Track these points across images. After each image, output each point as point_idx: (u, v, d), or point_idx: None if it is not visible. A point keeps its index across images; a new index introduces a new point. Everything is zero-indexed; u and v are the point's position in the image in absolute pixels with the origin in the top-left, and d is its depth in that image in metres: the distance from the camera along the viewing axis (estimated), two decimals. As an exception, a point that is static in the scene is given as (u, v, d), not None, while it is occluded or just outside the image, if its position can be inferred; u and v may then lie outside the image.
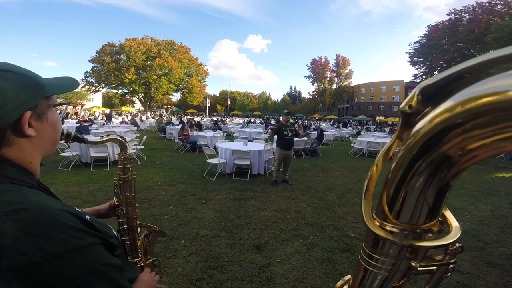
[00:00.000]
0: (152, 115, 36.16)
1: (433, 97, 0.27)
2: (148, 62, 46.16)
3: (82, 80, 43.63)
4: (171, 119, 21.18)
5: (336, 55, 60.99)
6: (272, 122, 28.36)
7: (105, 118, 23.62)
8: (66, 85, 0.66)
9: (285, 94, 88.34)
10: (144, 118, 30.34)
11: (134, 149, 7.63)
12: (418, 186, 0.28)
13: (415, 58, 35.10)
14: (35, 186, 0.58)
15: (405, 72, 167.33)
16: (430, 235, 0.32)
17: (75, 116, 25.33)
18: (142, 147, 8.50)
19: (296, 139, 6.32)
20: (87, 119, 19.50)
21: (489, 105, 0.21)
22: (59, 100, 0.67)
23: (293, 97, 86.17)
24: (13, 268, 0.45)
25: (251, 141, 9.17)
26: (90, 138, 0.99)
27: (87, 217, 0.58)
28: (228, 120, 32.68)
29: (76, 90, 0.82)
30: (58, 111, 0.66)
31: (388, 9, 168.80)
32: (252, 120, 32.80)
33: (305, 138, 9.91)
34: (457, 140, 0.24)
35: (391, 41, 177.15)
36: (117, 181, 0.99)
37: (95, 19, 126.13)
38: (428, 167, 0.27)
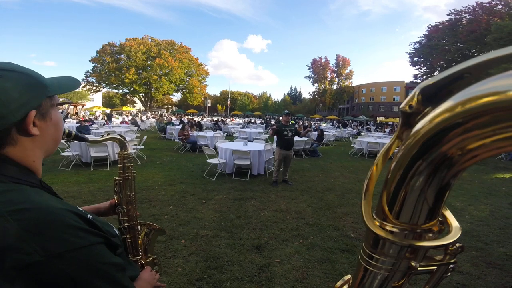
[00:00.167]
0: (153, 115, 36.18)
1: (433, 97, 0.27)
2: (149, 62, 46.17)
3: (82, 80, 43.66)
4: (171, 119, 21.19)
5: (337, 55, 61.02)
6: (272, 122, 28.38)
7: (106, 118, 23.64)
8: (68, 84, 0.66)
9: (286, 94, 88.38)
10: (144, 118, 30.37)
11: (134, 149, 7.63)
12: (418, 186, 0.28)
13: (415, 59, 35.14)
14: (38, 185, 0.58)
15: (406, 72, 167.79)
16: (430, 235, 0.32)
17: (75, 116, 25.35)
18: (142, 147, 8.50)
19: (297, 138, 6.31)
20: (88, 119, 19.51)
21: (489, 105, 0.21)
22: (61, 100, 0.67)
23: (294, 97, 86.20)
24: (16, 268, 0.45)
25: (251, 141, 9.17)
26: (90, 137, 0.99)
27: (89, 216, 0.58)
28: (228, 120, 32.69)
29: (76, 90, 0.83)
30: (60, 110, 0.66)
31: (388, 9, 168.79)
32: (252, 120, 32.80)
33: (305, 138, 9.92)
34: (457, 140, 0.24)
35: (391, 41, 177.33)
36: (117, 179, 0.99)
37: (94, 19, 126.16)
38: (428, 167, 0.27)
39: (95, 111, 32.68)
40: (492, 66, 0.22)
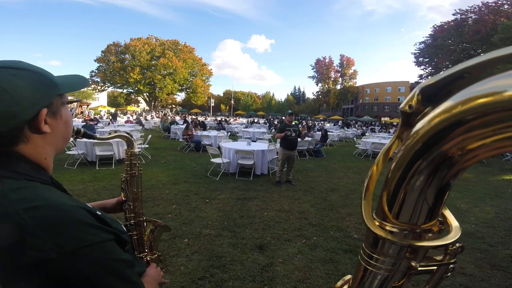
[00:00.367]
0: (157, 115, 36.34)
1: (433, 97, 0.27)
2: (153, 62, 46.35)
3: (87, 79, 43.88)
4: (175, 119, 21.26)
5: (341, 55, 60.70)
6: (275, 122, 28.33)
7: (111, 117, 23.81)
8: (78, 83, 0.67)
9: (289, 94, 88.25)
10: (149, 117, 30.52)
11: (139, 148, 7.66)
12: (418, 186, 0.28)
13: (420, 59, 34.86)
14: (49, 182, 0.59)
15: (411, 72, 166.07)
16: (430, 235, 0.32)
17: (81, 115, 25.57)
18: (147, 146, 8.54)
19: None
20: (93, 118, 19.67)
21: (488, 105, 0.21)
22: (70, 98, 0.68)
23: (297, 97, 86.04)
24: (32, 265, 0.46)
25: (255, 141, 9.17)
26: (98, 135, 1.00)
27: (98, 212, 0.59)
28: (231, 120, 32.71)
29: (82, 89, 0.84)
30: (70, 109, 0.67)
31: (392, 9, 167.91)
32: (255, 120, 32.80)
33: (309, 138, 9.90)
34: (457, 140, 0.24)
35: (395, 41, 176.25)
36: (124, 176, 1.00)
37: (99, 19, 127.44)
38: (428, 166, 0.27)
39: (100, 111, 32.93)
40: (492, 66, 0.22)
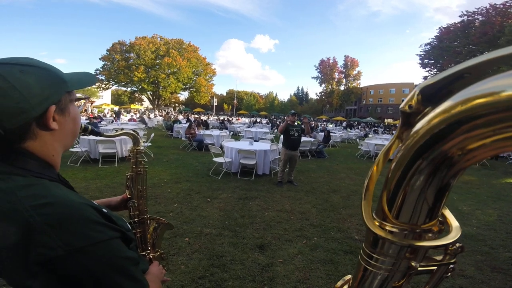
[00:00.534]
0: (160, 113, 36.46)
1: (433, 97, 0.27)
2: (157, 61, 46.45)
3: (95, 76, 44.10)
4: (178, 118, 21.31)
5: (345, 56, 60.54)
6: (278, 122, 28.28)
7: (114, 115, 23.92)
8: (86, 80, 0.67)
9: (292, 94, 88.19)
10: (152, 116, 30.62)
11: (142, 146, 7.70)
12: (418, 186, 0.28)
13: (425, 60, 34.66)
14: (56, 180, 0.59)
15: (415, 74, 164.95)
16: (430, 235, 0.32)
17: (84, 113, 25.72)
18: (150, 144, 8.58)
19: (303, 139, 6.22)
20: (96, 116, 19.77)
21: (487, 105, 0.21)
22: (78, 95, 0.69)
23: (300, 97, 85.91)
24: (39, 262, 0.46)
25: (257, 141, 9.18)
26: (104, 132, 1.01)
27: (104, 210, 0.59)
28: (234, 119, 32.74)
29: (88, 87, 0.85)
30: (78, 106, 0.68)
31: (398, 10, 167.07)
32: (258, 120, 32.80)
33: (312, 139, 9.88)
34: (457, 140, 0.24)
35: (401, 42, 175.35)
36: (130, 174, 1.00)
37: (104, 18, 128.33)
38: (428, 166, 0.27)
39: (104, 109, 33.10)
40: (492, 66, 0.22)
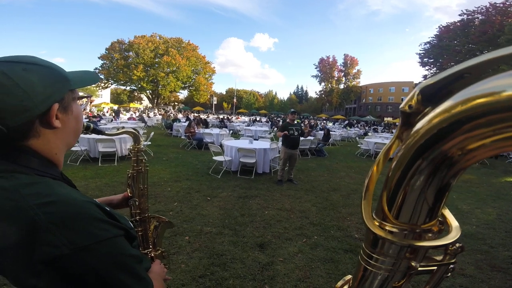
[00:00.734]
0: (160, 112, 36.42)
1: (433, 97, 0.26)
2: (156, 60, 46.34)
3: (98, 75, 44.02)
4: (177, 116, 21.29)
5: (344, 54, 60.57)
6: (278, 120, 28.30)
7: (113, 114, 23.90)
8: (88, 78, 0.67)
9: (292, 93, 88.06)
10: (151, 114, 30.60)
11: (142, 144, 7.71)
12: (418, 185, 0.28)
13: (425, 59, 34.60)
14: (59, 178, 0.59)
15: (415, 73, 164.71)
16: (430, 235, 0.32)
17: (84, 112, 25.66)
18: (149, 143, 8.57)
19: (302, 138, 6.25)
20: (96, 114, 19.75)
21: (487, 105, 0.21)
22: (81, 94, 0.68)
23: (300, 96, 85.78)
24: (44, 261, 0.46)
25: (257, 140, 9.18)
26: (106, 131, 1.01)
27: (107, 208, 0.59)
28: (234, 118, 32.72)
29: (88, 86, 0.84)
30: (80, 104, 0.67)
31: (397, 9, 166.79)
32: (258, 119, 32.78)
33: (311, 138, 9.88)
34: (457, 140, 0.24)
35: (400, 41, 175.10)
36: (131, 172, 1.00)
37: (103, 17, 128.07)
38: (428, 166, 0.27)
39: (103, 107, 33.06)
40: (492, 66, 0.22)
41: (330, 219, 4.10)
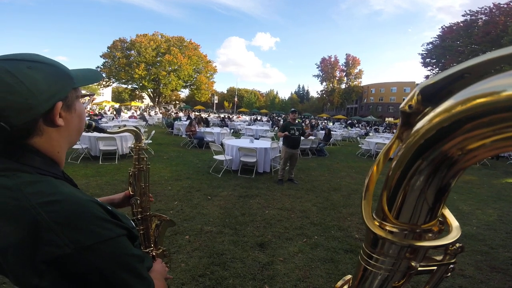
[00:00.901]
0: (161, 110, 36.46)
1: (433, 97, 0.27)
2: (158, 58, 46.30)
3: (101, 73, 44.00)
4: (178, 115, 21.29)
5: (346, 54, 60.40)
6: (279, 119, 28.26)
7: (115, 113, 23.94)
8: (92, 77, 0.67)
9: (293, 92, 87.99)
10: (152, 113, 30.63)
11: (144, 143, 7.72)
12: (418, 185, 0.28)
13: (427, 59, 34.53)
14: (61, 177, 0.59)
15: (417, 73, 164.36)
16: (430, 235, 0.32)
17: (85, 110, 25.70)
18: (150, 141, 8.58)
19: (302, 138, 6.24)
20: (97, 113, 19.78)
21: (488, 105, 0.21)
22: (83, 92, 0.69)
23: (301, 95, 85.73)
24: (46, 261, 0.46)
25: (258, 139, 9.18)
26: (108, 129, 1.01)
27: (109, 207, 0.58)
28: (235, 117, 32.72)
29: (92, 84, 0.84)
30: (83, 102, 0.67)
31: (400, 9, 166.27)
32: (258, 118, 32.76)
33: (312, 137, 9.87)
34: (457, 140, 0.24)
35: (403, 41, 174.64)
36: (132, 171, 1.00)
37: (106, 15, 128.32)
38: (428, 166, 0.27)
39: (105, 106, 33.12)
40: (492, 66, 0.22)
41: (330, 219, 4.10)
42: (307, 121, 25.17)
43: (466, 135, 0.23)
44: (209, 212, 4.04)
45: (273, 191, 5.27)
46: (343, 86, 61.00)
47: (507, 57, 0.21)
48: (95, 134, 6.24)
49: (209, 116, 27.90)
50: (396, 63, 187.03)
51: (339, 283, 0.47)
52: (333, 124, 31.18)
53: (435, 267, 0.33)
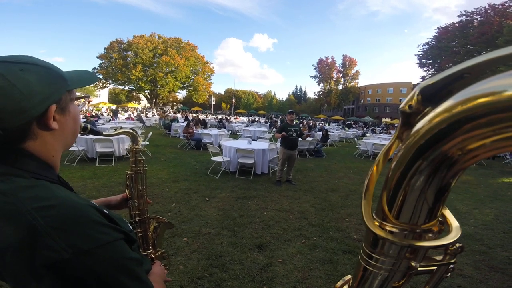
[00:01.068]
0: (158, 112, 36.37)
1: (433, 97, 0.27)
2: (155, 59, 46.23)
3: (96, 75, 43.80)
4: (176, 117, 21.24)
5: (343, 55, 60.72)
6: (276, 120, 28.30)
7: (112, 114, 23.84)
8: (86, 78, 0.66)
9: (291, 93, 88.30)
10: (149, 114, 30.55)
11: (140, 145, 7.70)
12: (418, 185, 0.28)
13: (423, 60, 34.78)
14: (56, 181, 0.58)
15: (413, 74, 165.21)
16: (430, 235, 0.32)
17: (81, 112, 25.58)
18: (147, 143, 8.55)
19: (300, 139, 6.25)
20: (94, 114, 19.69)
21: (487, 105, 0.21)
22: (78, 94, 0.67)
23: (299, 96, 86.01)
24: (45, 265, 0.45)
25: (255, 140, 9.18)
26: (104, 131, 1.00)
27: (105, 211, 0.58)
28: (232, 118, 32.72)
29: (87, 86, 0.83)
30: (78, 104, 0.66)
31: (397, 10, 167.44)
32: (256, 119, 32.78)
33: (310, 138, 9.89)
34: (457, 140, 0.24)
35: (399, 42, 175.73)
36: (129, 173, 0.99)
37: (102, 16, 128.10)
38: (428, 166, 0.27)
39: (101, 107, 32.99)
40: (492, 66, 0.22)
41: (329, 220, 4.10)
42: (305, 122, 25.22)
43: (466, 135, 0.23)
44: (207, 213, 4.03)
45: (271, 192, 5.26)
46: (340, 87, 61.21)
47: (506, 57, 0.21)
48: (92, 136, 6.21)
49: (206, 117, 27.85)
50: (393, 64, 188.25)
51: (339, 283, 0.47)
52: (329, 125, 31.24)
53: (435, 267, 0.33)
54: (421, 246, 0.31)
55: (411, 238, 0.32)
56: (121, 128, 1.06)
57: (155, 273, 0.79)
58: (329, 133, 13.35)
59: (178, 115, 25.85)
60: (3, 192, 0.48)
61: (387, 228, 0.32)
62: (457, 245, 0.31)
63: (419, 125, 0.26)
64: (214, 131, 11.90)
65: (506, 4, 26.25)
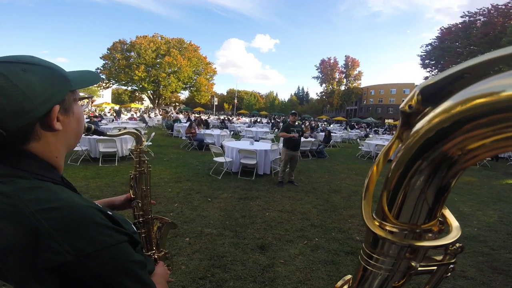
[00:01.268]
0: (160, 112, 36.50)
1: (433, 97, 0.27)
2: (158, 60, 46.41)
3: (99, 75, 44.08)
4: (178, 117, 21.29)
5: (346, 56, 60.58)
6: (278, 121, 28.28)
7: (115, 114, 23.95)
8: (90, 79, 0.65)
9: (293, 94, 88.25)
10: (152, 115, 30.65)
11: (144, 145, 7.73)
12: (418, 185, 0.28)
13: (426, 61, 34.61)
14: (60, 182, 0.57)
15: (416, 74, 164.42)
16: (430, 235, 0.32)
17: (85, 112, 25.71)
18: (150, 143, 8.58)
19: (303, 139, 6.24)
20: (97, 114, 19.80)
21: (487, 105, 0.21)
22: (81, 94, 0.67)
23: (301, 97, 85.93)
24: (47, 268, 0.45)
25: (258, 141, 9.17)
26: (108, 132, 1.00)
27: (109, 212, 0.57)
28: (234, 119, 32.74)
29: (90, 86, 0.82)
30: (81, 105, 0.65)
31: (398, 11, 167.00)
32: (258, 120, 32.78)
33: (312, 139, 9.87)
34: (457, 140, 0.24)
35: (402, 42, 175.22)
36: (133, 174, 0.99)
37: (105, 17, 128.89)
38: (428, 166, 0.27)
39: (104, 108, 33.15)
40: (492, 66, 0.22)
41: (331, 221, 4.09)
42: (307, 123, 25.18)
43: (466, 135, 0.23)
44: (209, 214, 4.03)
45: (273, 193, 5.26)
46: (342, 87, 61.08)
47: (507, 57, 0.21)
48: (95, 136, 6.24)
49: (209, 118, 27.91)
50: (395, 65, 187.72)
51: (339, 283, 0.47)
52: (330, 126, 31.13)
53: (435, 267, 0.33)
54: (421, 246, 0.31)
55: (411, 238, 0.32)
56: (125, 128, 1.06)
57: (158, 274, 0.79)
58: (331, 134, 13.31)
59: (181, 116, 25.91)
60: (6, 193, 0.48)
61: (387, 228, 0.32)
62: (457, 245, 0.31)
63: (419, 125, 0.26)
64: (216, 131, 11.91)
65: (510, 5, 26.08)
